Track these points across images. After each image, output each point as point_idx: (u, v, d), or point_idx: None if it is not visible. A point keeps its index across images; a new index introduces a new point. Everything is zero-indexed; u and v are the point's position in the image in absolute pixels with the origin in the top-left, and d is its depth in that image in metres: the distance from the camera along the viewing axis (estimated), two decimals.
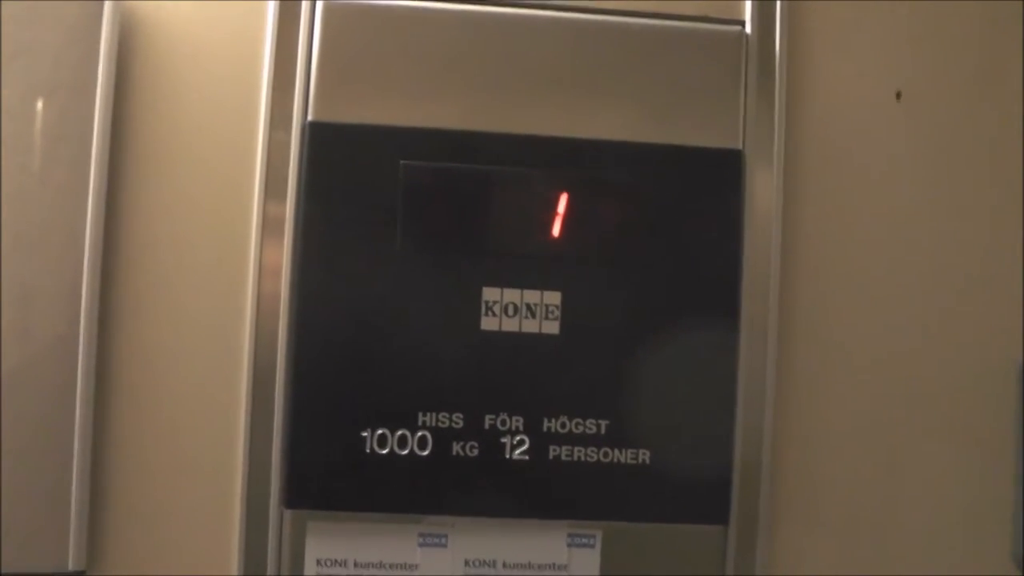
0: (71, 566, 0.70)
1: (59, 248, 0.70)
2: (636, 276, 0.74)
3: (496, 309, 0.73)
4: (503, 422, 0.73)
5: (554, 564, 0.74)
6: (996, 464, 0.79)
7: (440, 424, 0.72)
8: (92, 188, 0.71)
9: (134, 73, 0.74)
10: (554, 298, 0.73)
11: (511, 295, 0.73)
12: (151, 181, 0.74)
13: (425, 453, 0.72)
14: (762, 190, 0.76)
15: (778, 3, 0.77)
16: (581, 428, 0.73)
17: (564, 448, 0.73)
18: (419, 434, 0.72)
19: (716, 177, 0.75)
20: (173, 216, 0.74)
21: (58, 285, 0.70)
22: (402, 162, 0.73)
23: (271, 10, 0.74)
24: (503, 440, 0.73)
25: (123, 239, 0.74)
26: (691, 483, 0.74)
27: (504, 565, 0.74)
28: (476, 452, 0.73)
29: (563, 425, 0.73)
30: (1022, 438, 0.78)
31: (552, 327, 0.73)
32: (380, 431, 0.72)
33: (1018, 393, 0.78)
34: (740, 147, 0.76)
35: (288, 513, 0.73)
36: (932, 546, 0.78)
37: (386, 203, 0.73)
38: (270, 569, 0.72)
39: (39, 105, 0.71)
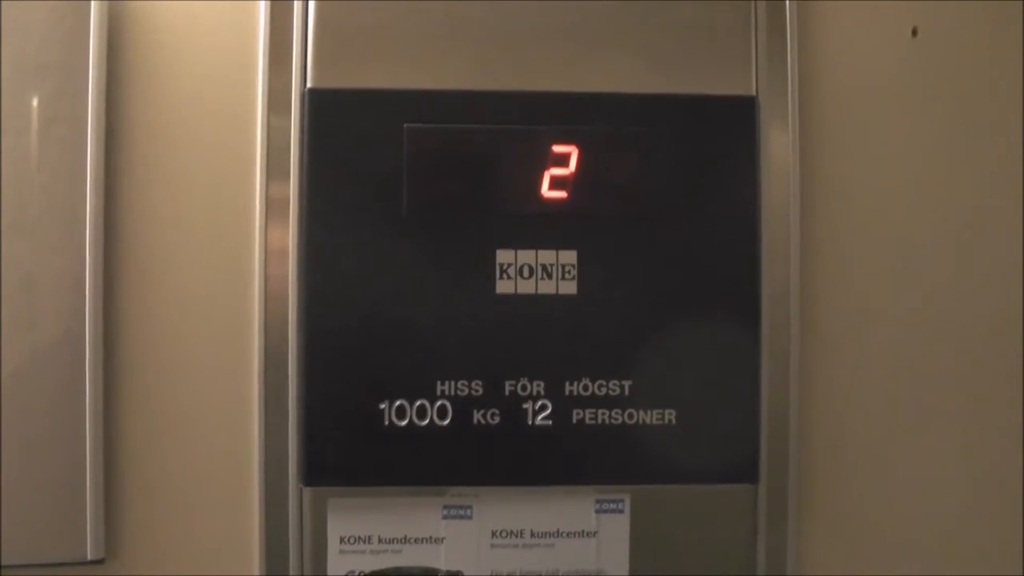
0: (89, 555, 0.70)
1: (60, 237, 0.69)
2: (652, 231, 0.72)
3: (511, 271, 0.71)
4: (524, 387, 0.71)
5: (583, 531, 0.73)
6: None
7: (459, 392, 0.71)
8: (90, 173, 0.70)
9: (127, 49, 0.72)
10: (570, 257, 0.72)
11: (525, 256, 0.71)
12: (149, 160, 0.73)
13: (445, 423, 0.71)
14: (777, 136, 0.74)
15: None
16: (604, 390, 0.72)
17: (587, 411, 0.72)
18: (438, 404, 0.71)
19: (730, 125, 0.73)
20: (174, 193, 0.73)
21: (62, 274, 0.69)
22: (406, 125, 0.71)
23: None
24: (524, 406, 0.71)
25: (124, 226, 0.72)
26: (719, 441, 0.73)
27: (532, 534, 0.73)
28: (497, 420, 0.71)
29: (585, 388, 0.72)
30: None
31: (570, 287, 0.72)
32: (398, 402, 0.71)
33: None
34: (753, 93, 0.74)
35: (307, 491, 0.71)
36: (965, 501, 0.77)
37: (391, 169, 0.71)
38: (292, 549, 0.71)
39: (31, 88, 0.69)
